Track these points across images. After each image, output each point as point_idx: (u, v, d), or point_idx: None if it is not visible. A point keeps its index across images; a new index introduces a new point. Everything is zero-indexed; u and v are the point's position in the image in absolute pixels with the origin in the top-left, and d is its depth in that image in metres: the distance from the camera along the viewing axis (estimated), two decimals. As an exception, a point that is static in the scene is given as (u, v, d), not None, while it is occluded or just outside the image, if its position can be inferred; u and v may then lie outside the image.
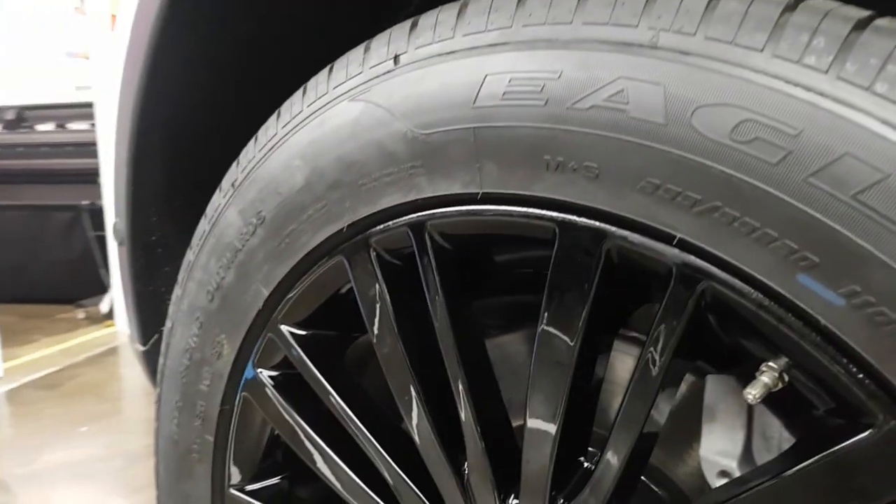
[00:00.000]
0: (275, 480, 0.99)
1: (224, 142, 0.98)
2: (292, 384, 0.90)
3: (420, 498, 0.80)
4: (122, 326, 4.95)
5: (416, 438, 0.79)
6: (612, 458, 0.62)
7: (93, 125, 5.11)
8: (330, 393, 0.86)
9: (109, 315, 5.09)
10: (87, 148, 5.09)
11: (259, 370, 0.91)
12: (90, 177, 5.18)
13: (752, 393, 0.55)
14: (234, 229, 0.86)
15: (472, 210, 0.68)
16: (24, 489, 2.84)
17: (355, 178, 0.73)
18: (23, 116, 5.23)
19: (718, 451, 0.65)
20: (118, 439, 3.30)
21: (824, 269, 0.48)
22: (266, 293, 0.86)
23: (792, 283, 0.50)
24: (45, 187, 5.19)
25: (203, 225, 0.92)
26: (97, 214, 5.12)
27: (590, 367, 0.68)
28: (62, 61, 5.38)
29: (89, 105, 4.95)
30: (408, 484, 0.80)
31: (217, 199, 0.90)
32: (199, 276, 0.92)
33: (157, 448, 1.04)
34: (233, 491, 0.97)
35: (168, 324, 0.99)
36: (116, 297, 4.93)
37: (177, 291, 0.97)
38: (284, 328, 0.87)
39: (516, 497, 0.72)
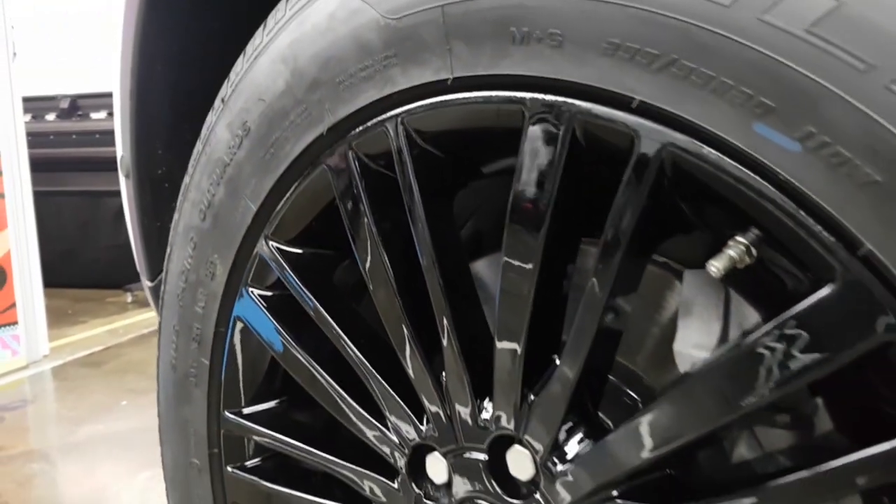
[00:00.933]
0: (272, 404, 0.98)
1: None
2: (286, 304, 0.90)
3: (401, 406, 0.79)
4: (168, 310, 5.05)
5: (399, 350, 0.78)
6: (575, 352, 0.60)
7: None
8: (319, 311, 0.85)
9: (156, 299, 5.19)
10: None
11: (252, 289, 0.91)
12: (139, 165, 5.30)
13: (717, 265, 0.53)
14: (222, 144, 0.86)
15: (445, 101, 0.66)
16: (64, 458, 2.92)
17: (333, 76, 0.72)
18: (76, 105, 5.39)
19: (694, 344, 0.62)
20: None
21: (780, 114, 0.45)
22: (254, 208, 0.86)
23: (749, 135, 0.47)
24: (97, 174, 5.33)
25: (197, 146, 0.93)
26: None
27: (562, 262, 0.66)
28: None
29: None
30: (390, 393, 0.79)
31: (209, 118, 0.90)
32: (192, 196, 0.93)
33: (158, 375, 1.05)
34: (228, 414, 0.97)
35: (168, 249, 1.00)
36: (162, 281, 5.04)
37: (175, 216, 0.98)
38: (274, 245, 0.87)
39: (490, 399, 0.71)
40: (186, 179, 0.94)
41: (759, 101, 0.46)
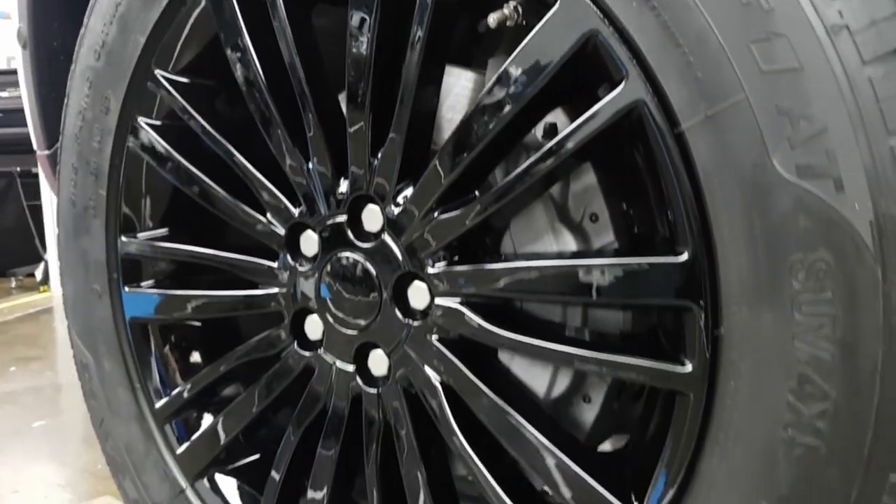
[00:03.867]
0: (163, 231, 1.13)
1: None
2: (171, 130, 1.05)
3: (278, 196, 0.95)
4: (58, 291, 4.97)
5: (275, 148, 0.94)
6: (399, 126, 0.82)
7: (25, 93, 5.13)
8: (209, 132, 1.00)
9: (44, 282, 5.09)
10: (19, 115, 5.11)
11: (142, 119, 1.05)
12: (23, 145, 5.19)
13: (492, 17, 0.73)
14: (114, -14, 1.01)
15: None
16: (-45, 416, 2.88)
17: None
18: (-46, 84, 5.21)
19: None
20: (48, 375, 3.37)
21: None
22: (143, 41, 1.01)
23: None
24: (-24, 157, 5.18)
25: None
26: (33, 184, 5.14)
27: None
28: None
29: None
30: (269, 188, 0.96)
31: (102, -29, 1.04)
32: (88, 41, 1.06)
33: (58, 215, 1.17)
34: (125, 238, 1.11)
35: (66, 98, 1.13)
36: (52, 263, 4.96)
37: (72, 67, 1.11)
38: (162, 75, 1.02)
39: (346, 174, 0.89)
40: (82, 30, 1.08)
41: None
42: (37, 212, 5.14)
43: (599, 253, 0.82)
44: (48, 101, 1.26)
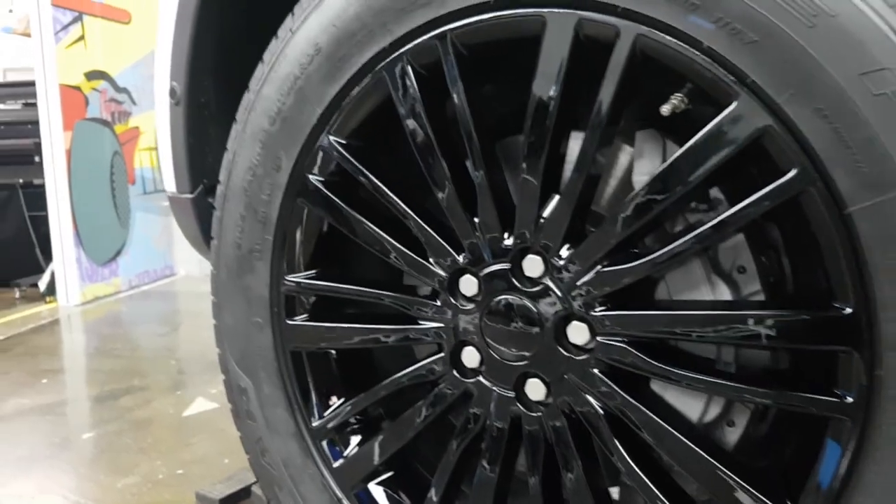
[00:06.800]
0: (313, 272, 1.27)
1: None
2: (338, 185, 1.20)
3: (442, 244, 1.10)
4: (64, 301, 5.01)
5: (444, 200, 1.09)
6: (571, 192, 0.98)
7: (25, 104, 5.17)
8: (380, 188, 1.15)
9: (49, 292, 5.11)
10: (19, 128, 5.14)
11: (311, 176, 1.19)
12: (25, 157, 5.22)
13: (665, 108, 0.90)
14: (292, 63, 1.15)
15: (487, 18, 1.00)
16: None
17: (399, 4, 1.04)
18: (-40, 97, 5.22)
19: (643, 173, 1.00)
20: (80, 387, 3.45)
21: (702, 8, 0.83)
22: (319, 111, 1.15)
23: (686, 22, 0.84)
24: (-21, 169, 5.20)
25: (261, 69, 1.20)
26: (32, 194, 5.17)
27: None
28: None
29: (24, 84, 5.04)
30: (434, 236, 1.11)
31: (273, 46, 1.18)
32: (261, 106, 1.20)
33: (218, 257, 1.30)
34: (288, 277, 1.25)
35: (228, 155, 1.26)
36: (58, 272, 5.00)
37: (236, 127, 1.25)
38: (333, 139, 1.17)
39: (511, 228, 1.04)
40: (250, 97, 1.22)
41: (692, 3, 0.83)
42: (38, 222, 5.18)
43: (747, 301, 0.99)
44: (194, 149, 1.39)
